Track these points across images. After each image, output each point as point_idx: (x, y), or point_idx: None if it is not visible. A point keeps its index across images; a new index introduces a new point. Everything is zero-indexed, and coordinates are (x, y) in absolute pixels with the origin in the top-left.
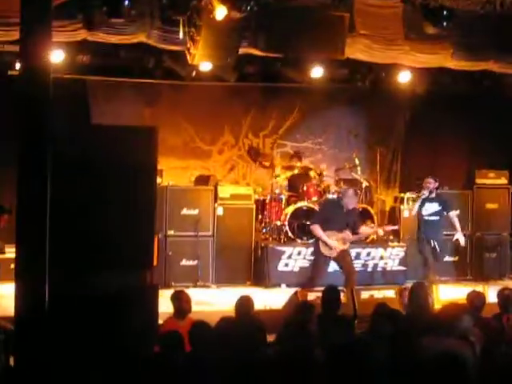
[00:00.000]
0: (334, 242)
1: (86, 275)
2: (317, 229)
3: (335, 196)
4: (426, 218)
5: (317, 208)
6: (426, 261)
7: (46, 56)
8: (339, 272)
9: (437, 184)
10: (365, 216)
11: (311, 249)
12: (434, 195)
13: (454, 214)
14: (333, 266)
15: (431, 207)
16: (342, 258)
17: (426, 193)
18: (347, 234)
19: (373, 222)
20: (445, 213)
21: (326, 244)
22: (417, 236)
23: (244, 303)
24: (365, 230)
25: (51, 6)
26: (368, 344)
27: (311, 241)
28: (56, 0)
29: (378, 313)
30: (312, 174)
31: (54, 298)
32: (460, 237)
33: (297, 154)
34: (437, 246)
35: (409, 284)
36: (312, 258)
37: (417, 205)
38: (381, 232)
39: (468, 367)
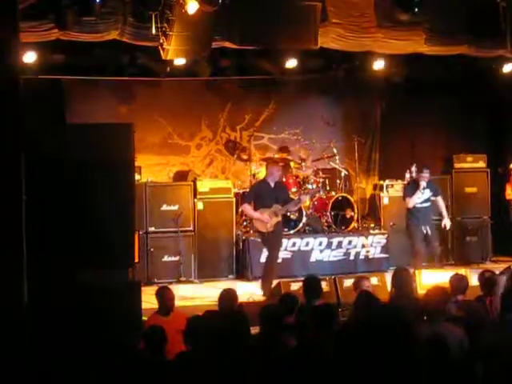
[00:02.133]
0: (265, 215)
1: (68, 274)
2: (245, 207)
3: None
4: (419, 205)
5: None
6: (413, 247)
7: (15, 57)
8: (321, 261)
9: (429, 174)
10: (345, 204)
11: (293, 240)
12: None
13: (441, 200)
14: (314, 256)
15: (424, 195)
16: (274, 243)
17: (424, 185)
18: (277, 207)
19: (353, 211)
20: (433, 198)
21: (259, 221)
22: (406, 223)
23: (227, 296)
24: (292, 204)
25: (17, 8)
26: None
27: (292, 232)
28: (25, 1)
29: (360, 300)
30: (291, 165)
31: (36, 297)
32: (447, 222)
33: (285, 148)
34: (428, 231)
35: (366, 274)
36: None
37: (416, 197)
38: (305, 198)
39: (457, 350)
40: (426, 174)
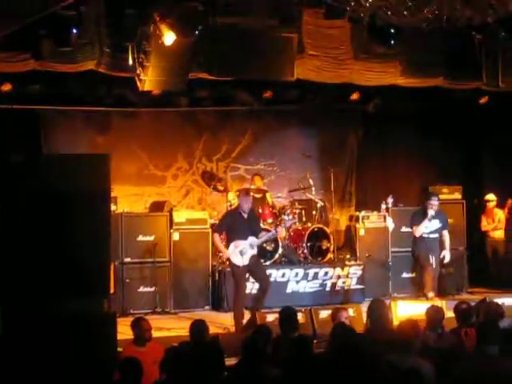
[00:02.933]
0: (225, 253)
1: (43, 303)
2: (215, 237)
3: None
4: (426, 235)
5: (270, 229)
6: (424, 275)
7: None
8: (298, 292)
9: (439, 202)
10: (321, 235)
11: (269, 271)
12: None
13: (447, 234)
14: (291, 287)
15: (433, 225)
16: (256, 267)
17: (433, 213)
18: (253, 239)
19: (329, 242)
20: (442, 230)
21: (236, 254)
22: (413, 252)
23: (198, 327)
24: (264, 235)
25: None
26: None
27: (268, 263)
28: (1, 31)
29: (336, 332)
30: (267, 195)
31: (11, 325)
32: (447, 254)
33: (258, 174)
34: (434, 263)
35: (341, 305)
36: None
37: (423, 226)
38: (282, 231)
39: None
40: (434, 202)
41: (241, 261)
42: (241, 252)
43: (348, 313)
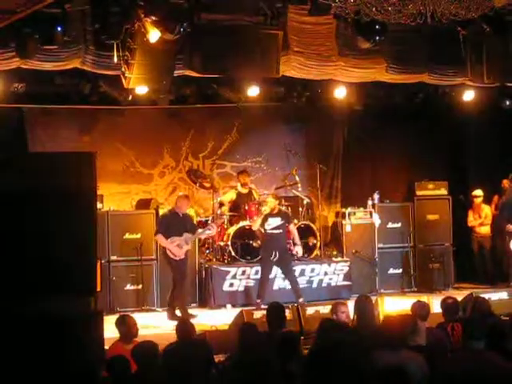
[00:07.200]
0: (175, 248)
1: (29, 302)
2: (160, 238)
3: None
4: (270, 231)
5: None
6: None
7: None
8: (284, 289)
9: (277, 202)
10: (307, 232)
11: (256, 268)
12: (276, 211)
13: (293, 227)
14: (277, 284)
15: (274, 222)
16: (186, 263)
17: (267, 209)
18: (187, 235)
19: (315, 239)
20: (286, 225)
21: (172, 248)
22: (262, 251)
23: (183, 327)
24: (201, 231)
25: None
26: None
27: (255, 260)
28: None
29: (323, 328)
30: (254, 193)
31: None
32: (299, 249)
33: (245, 171)
34: (277, 255)
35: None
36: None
37: (257, 222)
38: (215, 227)
39: (415, 380)
40: (268, 199)
41: (178, 255)
42: (178, 246)
43: (347, 307)
